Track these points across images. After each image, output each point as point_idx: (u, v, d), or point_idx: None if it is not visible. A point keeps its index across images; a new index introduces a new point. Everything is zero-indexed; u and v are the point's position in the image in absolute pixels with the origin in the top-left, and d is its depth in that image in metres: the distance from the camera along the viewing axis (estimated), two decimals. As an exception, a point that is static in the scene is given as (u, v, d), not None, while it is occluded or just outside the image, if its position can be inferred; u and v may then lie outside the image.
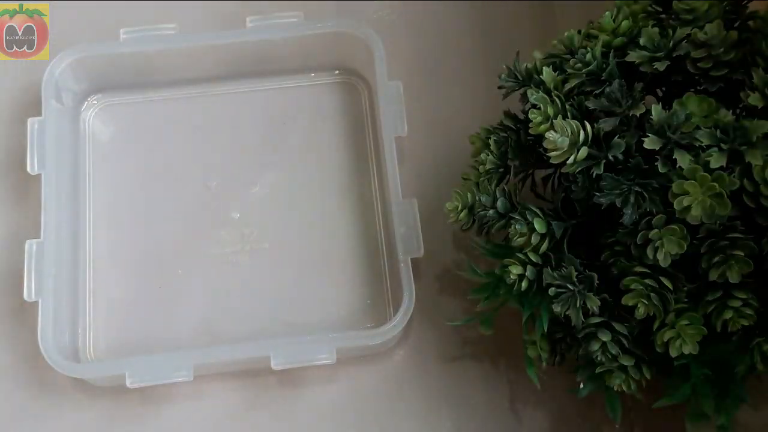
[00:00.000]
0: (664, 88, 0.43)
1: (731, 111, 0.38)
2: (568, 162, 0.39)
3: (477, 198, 0.45)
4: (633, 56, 0.41)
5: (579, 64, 0.42)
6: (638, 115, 0.39)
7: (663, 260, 0.38)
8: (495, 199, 0.44)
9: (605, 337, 0.41)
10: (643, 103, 0.39)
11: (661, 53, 0.40)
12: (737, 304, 0.38)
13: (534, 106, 0.41)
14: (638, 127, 0.39)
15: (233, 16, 0.57)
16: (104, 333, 0.51)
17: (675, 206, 0.37)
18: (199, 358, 0.48)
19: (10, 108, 0.56)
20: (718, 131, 0.37)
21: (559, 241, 0.43)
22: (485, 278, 0.46)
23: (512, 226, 0.42)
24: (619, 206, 0.39)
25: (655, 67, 0.40)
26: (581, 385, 0.44)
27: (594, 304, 0.40)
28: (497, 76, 0.45)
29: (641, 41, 0.41)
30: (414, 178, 0.54)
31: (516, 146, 0.45)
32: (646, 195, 0.38)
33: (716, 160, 0.36)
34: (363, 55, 0.55)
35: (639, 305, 0.39)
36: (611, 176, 0.39)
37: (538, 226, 0.42)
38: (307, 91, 0.57)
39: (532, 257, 0.42)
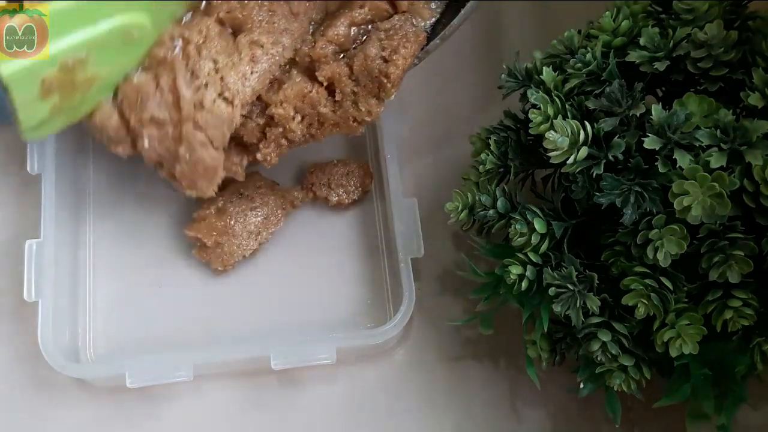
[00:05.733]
0: (664, 88, 0.43)
1: (731, 111, 0.38)
2: (568, 162, 0.39)
3: (477, 198, 0.45)
4: (633, 56, 0.41)
5: (579, 64, 0.42)
6: (638, 115, 0.39)
7: (663, 260, 0.38)
8: (495, 199, 0.44)
9: (605, 337, 0.41)
10: (643, 103, 0.39)
11: (661, 53, 0.40)
12: (737, 304, 0.38)
13: (534, 106, 0.41)
14: (638, 127, 0.39)
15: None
16: (104, 333, 0.51)
17: (675, 206, 0.37)
18: (199, 358, 0.48)
19: (10, 108, 0.56)
20: (718, 131, 0.37)
21: (559, 241, 0.43)
22: (485, 278, 0.46)
23: (512, 226, 0.42)
24: (619, 206, 0.39)
25: (655, 67, 0.40)
26: (581, 385, 0.44)
27: (594, 304, 0.40)
28: (497, 76, 0.45)
29: (641, 41, 0.41)
30: (414, 178, 0.54)
31: (516, 146, 0.45)
32: (646, 195, 0.38)
33: (716, 160, 0.36)
34: (363, 55, 0.55)
35: (639, 305, 0.39)
36: (611, 176, 0.39)
37: (538, 226, 0.42)
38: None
39: (532, 257, 0.42)
